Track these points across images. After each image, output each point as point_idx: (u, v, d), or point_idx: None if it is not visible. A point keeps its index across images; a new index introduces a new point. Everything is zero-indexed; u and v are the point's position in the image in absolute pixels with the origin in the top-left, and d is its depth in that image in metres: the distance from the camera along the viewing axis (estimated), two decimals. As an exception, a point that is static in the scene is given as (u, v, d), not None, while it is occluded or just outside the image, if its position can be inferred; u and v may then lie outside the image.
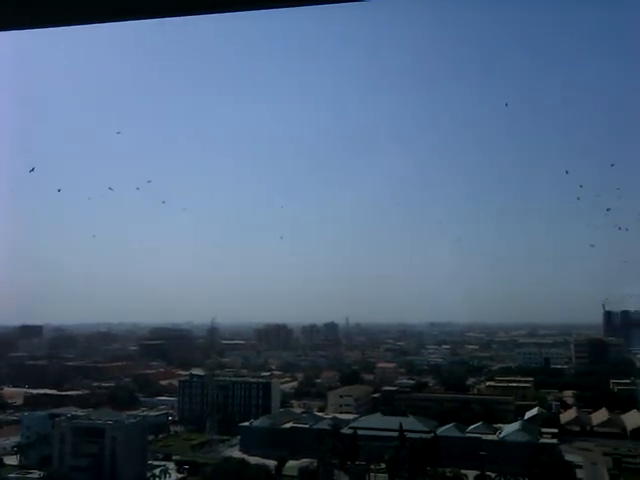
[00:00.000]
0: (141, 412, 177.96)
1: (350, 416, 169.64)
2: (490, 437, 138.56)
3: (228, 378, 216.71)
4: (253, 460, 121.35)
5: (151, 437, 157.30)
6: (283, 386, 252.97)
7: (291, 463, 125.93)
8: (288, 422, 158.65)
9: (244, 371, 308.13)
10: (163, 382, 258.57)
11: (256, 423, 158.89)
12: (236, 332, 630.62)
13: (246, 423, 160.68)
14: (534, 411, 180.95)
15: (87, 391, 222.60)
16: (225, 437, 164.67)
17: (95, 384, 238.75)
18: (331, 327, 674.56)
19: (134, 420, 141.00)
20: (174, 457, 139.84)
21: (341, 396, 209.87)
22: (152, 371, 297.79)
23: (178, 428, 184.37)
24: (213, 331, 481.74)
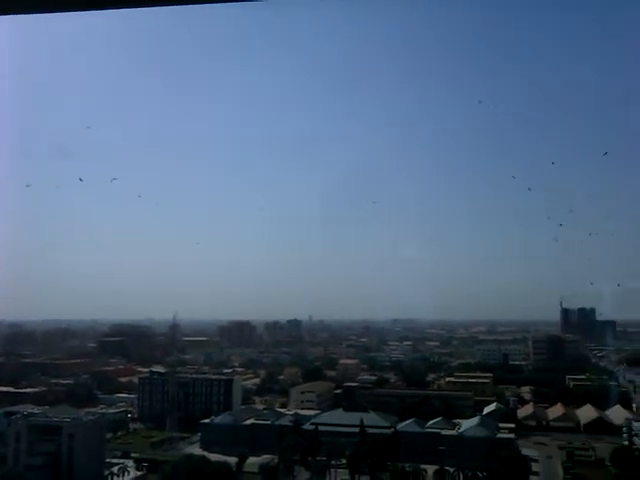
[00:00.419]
0: (100, 409, 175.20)
1: (312, 412, 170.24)
2: (449, 432, 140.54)
3: (189, 375, 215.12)
4: (214, 457, 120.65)
5: (110, 435, 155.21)
6: (245, 383, 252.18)
7: (252, 460, 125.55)
8: (250, 419, 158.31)
9: (206, 368, 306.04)
10: (123, 379, 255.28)
11: (217, 420, 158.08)
12: (198, 329, 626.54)
13: (207, 420, 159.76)
14: (492, 406, 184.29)
15: (44, 388, 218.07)
16: (185, 434, 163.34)
17: (53, 381, 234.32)
18: (294, 324, 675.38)
19: (92, 417, 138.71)
20: (133, 455, 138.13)
21: (303, 392, 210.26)
22: (111, 368, 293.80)
23: (138, 425, 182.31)
24: (175, 328, 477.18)
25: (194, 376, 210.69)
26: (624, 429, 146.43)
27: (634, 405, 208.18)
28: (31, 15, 7.59)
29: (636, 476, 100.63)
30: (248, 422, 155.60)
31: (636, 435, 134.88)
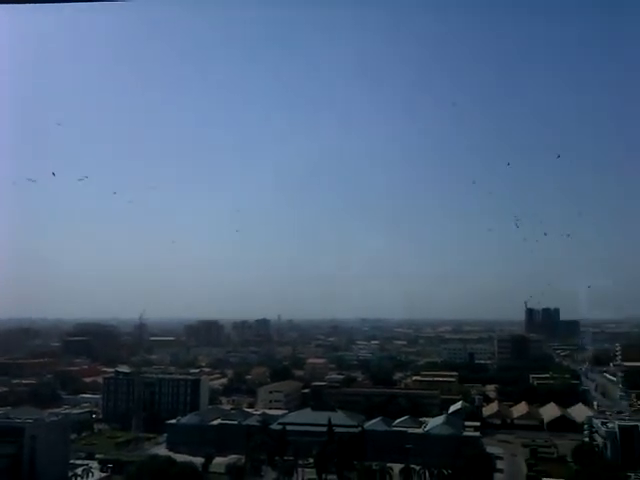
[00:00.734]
0: (63, 410, 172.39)
1: (280, 412, 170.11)
2: (416, 431, 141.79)
3: (155, 375, 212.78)
4: (180, 458, 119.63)
5: (74, 436, 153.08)
6: (212, 383, 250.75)
7: (219, 460, 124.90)
8: (217, 419, 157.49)
9: (172, 368, 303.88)
10: (87, 379, 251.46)
11: (184, 420, 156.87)
12: (165, 329, 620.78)
13: (173, 420, 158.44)
14: (458, 405, 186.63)
15: (6, 389, 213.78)
16: (151, 435, 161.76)
17: (15, 381, 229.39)
18: (263, 323, 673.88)
19: (56, 418, 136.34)
20: (98, 456, 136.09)
21: (271, 392, 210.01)
22: (76, 368, 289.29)
23: (102, 426, 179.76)
24: (141, 327, 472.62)
25: (160, 376, 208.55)
26: (585, 426, 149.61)
27: (595, 403, 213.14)
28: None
29: (595, 472, 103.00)
30: (215, 422, 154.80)
31: (596, 432, 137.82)
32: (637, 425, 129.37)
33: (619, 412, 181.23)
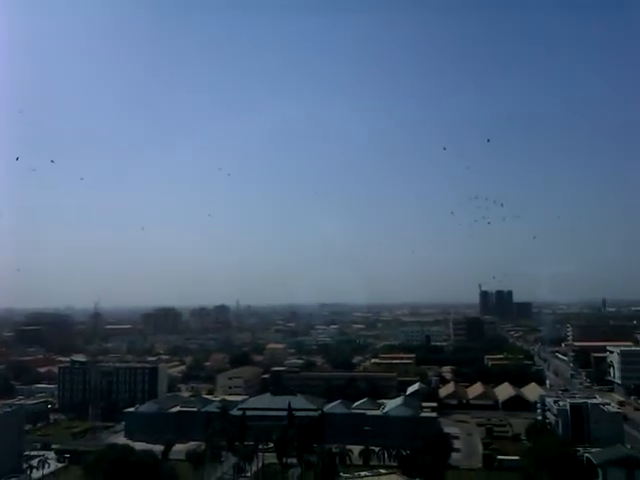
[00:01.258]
0: (18, 401, 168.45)
1: (239, 397, 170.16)
2: (374, 412, 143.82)
3: (112, 364, 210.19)
4: (139, 446, 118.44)
5: (29, 426, 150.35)
6: (171, 370, 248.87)
7: (178, 447, 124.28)
8: (176, 406, 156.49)
9: (129, 356, 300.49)
10: (42, 369, 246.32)
11: (142, 409, 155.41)
12: (121, 317, 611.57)
13: (131, 409, 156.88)
14: (415, 386, 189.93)
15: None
16: (109, 424, 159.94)
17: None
18: (222, 310, 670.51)
19: (9, 409, 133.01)
20: (54, 446, 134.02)
21: (230, 378, 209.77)
22: (29, 358, 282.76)
23: (58, 416, 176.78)
24: (96, 316, 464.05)
25: (117, 365, 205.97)
26: (538, 405, 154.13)
27: (548, 382, 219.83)
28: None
29: (547, 448, 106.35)
30: (174, 410, 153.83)
31: (549, 410, 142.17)
32: (586, 403, 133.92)
33: (570, 390, 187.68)
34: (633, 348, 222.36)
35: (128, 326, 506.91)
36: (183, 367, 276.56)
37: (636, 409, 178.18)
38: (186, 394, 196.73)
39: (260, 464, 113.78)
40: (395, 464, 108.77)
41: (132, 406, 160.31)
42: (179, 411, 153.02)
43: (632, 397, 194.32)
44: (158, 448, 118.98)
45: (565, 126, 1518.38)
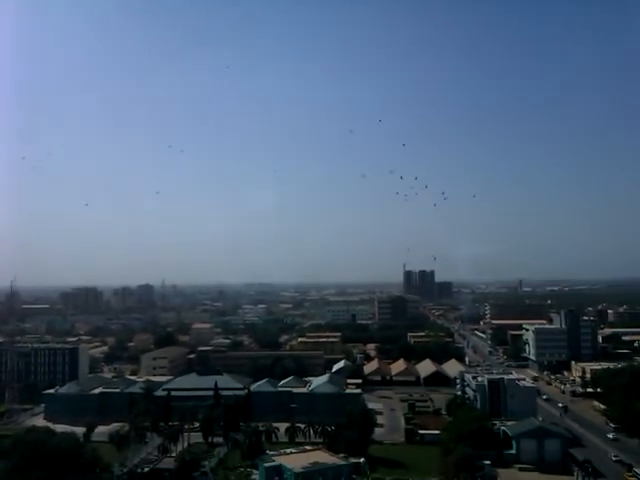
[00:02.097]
0: None
1: (165, 378, 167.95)
2: (300, 390, 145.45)
3: (30, 345, 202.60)
4: (60, 428, 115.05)
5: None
6: (93, 351, 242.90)
7: (101, 429, 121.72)
8: (98, 387, 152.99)
9: (48, 337, 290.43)
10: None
11: (62, 390, 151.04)
12: (39, 296, 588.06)
13: (51, 390, 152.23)
14: (341, 364, 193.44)
15: None
16: (27, 406, 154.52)
17: None
18: (146, 289, 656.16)
19: None
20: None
21: (155, 358, 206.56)
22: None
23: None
24: (13, 295, 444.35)
25: (35, 345, 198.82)
26: (457, 381, 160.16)
27: (467, 358, 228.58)
28: None
29: (466, 422, 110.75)
30: (96, 391, 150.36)
31: (468, 386, 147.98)
32: (503, 378, 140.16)
33: (488, 366, 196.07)
34: (547, 326, 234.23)
35: (46, 306, 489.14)
36: (105, 348, 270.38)
37: (548, 384, 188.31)
38: (109, 375, 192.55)
39: (186, 444, 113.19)
40: (320, 440, 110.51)
41: (52, 388, 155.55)
42: (101, 392, 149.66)
43: (545, 372, 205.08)
44: (80, 430, 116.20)
45: (490, 112, 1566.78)
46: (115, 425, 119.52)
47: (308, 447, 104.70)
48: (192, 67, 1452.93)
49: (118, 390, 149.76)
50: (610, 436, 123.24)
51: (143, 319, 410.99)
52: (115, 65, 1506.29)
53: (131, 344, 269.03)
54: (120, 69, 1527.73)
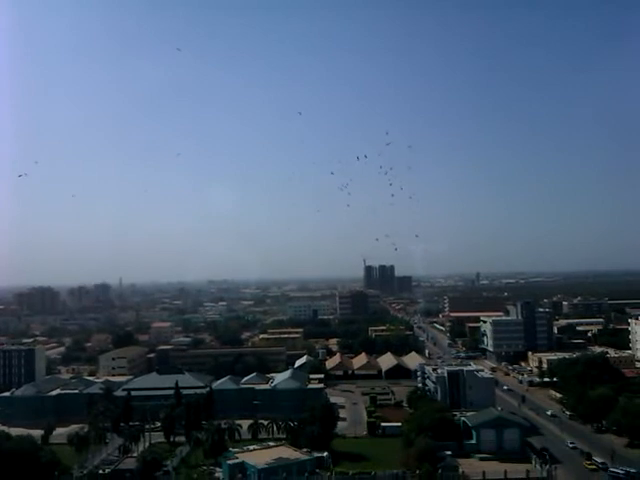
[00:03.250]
0: None
1: (124, 378, 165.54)
2: (263, 386, 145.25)
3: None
4: (15, 431, 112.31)
5: None
6: (49, 352, 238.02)
7: (60, 431, 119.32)
8: (55, 389, 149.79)
9: (2, 338, 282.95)
10: None
11: (18, 392, 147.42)
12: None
13: (7, 393, 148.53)
14: (303, 359, 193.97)
15: None
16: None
17: None
18: (102, 288, 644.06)
19: None
20: None
21: (114, 358, 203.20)
22: None
23: None
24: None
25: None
26: (418, 373, 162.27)
27: (427, 351, 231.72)
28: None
29: (427, 414, 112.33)
30: (53, 393, 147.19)
31: (428, 378, 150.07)
32: (462, 370, 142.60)
33: (447, 358, 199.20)
34: (503, 318, 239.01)
35: (1, 307, 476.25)
36: (62, 349, 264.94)
37: (506, 374, 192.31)
38: (66, 376, 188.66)
39: (147, 444, 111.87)
40: (284, 436, 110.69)
41: (7, 390, 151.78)
42: (59, 394, 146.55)
43: (502, 363, 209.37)
44: (38, 433, 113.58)
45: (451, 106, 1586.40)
46: (74, 427, 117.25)
47: (271, 443, 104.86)
48: (149, 63, 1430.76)
49: (76, 391, 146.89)
50: (548, 413, 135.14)
51: (100, 319, 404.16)
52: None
53: (89, 344, 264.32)
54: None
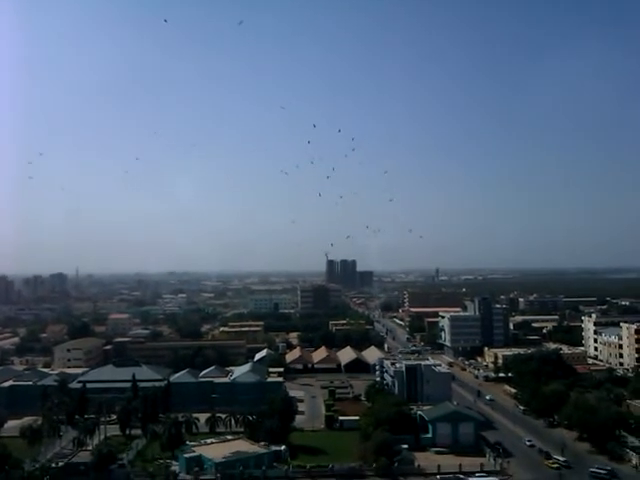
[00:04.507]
0: None
1: (80, 370, 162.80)
2: (222, 380, 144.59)
3: None
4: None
5: None
6: (2, 342, 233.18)
7: (12, 423, 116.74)
8: (8, 380, 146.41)
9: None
10: None
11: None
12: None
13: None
14: (263, 353, 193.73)
15: None
16: None
17: None
18: (59, 278, 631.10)
19: None
20: None
21: (69, 350, 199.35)
22: None
23: None
24: None
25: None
26: (377, 367, 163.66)
27: (386, 345, 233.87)
28: None
29: (384, 407, 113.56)
30: (6, 384, 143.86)
31: (386, 372, 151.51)
32: (420, 364, 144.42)
33: (406, 353, 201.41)
34: (461, 314, 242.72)
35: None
36: (16, 339, 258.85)
37: (462, 369, 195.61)
38: (20, 367, 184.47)
39: (102, 436, 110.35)
40: (242, 430, 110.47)
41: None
42: (12, 385, 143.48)
43: (459, 358, 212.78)
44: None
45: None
46: (27, 419, 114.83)
47: (229, 437, 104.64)
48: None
49: (30, 383, 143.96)
50: (487, 398, 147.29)
51: (56, 309, 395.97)
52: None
53: (44, 335, 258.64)
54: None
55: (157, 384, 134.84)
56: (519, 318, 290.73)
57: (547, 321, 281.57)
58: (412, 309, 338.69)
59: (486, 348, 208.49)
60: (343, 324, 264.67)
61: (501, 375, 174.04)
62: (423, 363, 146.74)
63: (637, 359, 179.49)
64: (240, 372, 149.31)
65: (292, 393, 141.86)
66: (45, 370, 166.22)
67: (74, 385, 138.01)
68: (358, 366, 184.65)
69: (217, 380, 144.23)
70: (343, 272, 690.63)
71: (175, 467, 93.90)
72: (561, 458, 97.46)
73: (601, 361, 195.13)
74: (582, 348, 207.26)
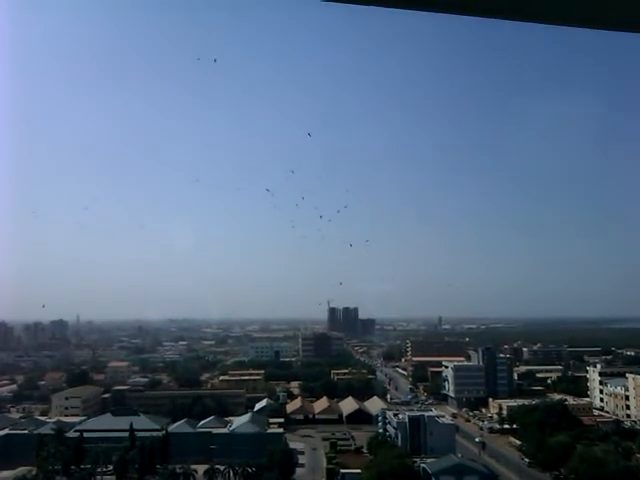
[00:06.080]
0: None
1: (77, 419, 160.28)
2: (220, 430, 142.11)
3: None
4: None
5: None
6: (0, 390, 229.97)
7: (5, 473, 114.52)
8: (4, 429, 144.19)
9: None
10: None
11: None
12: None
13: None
14: (263, 402, 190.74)
15: None
16: None
17: None
18: (59, 325, 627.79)
19: None
20: None
21: (67, 398, 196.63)
22: None
23: None
24: None
25: None
26: (379, 418, 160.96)
27: (388, 396, 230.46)
28: None
29: (387, 460, 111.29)
30: (2, 433, 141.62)
31: (389, 423, 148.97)
32: (423, 415, 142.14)
33: (409, 403, 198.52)
34: (465, 363, 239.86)
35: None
36: (14, 386, 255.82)
37: (467, 420, 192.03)
38: (17, 415, 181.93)
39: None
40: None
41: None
42: (7, 434, 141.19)
43: (463, 409, 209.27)
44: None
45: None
46: (22, 469, 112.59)
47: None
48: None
49: (26, 431, 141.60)
50: (477, 440, 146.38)
51: (56, 356, 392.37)
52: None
53: (42, 382, 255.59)
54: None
55: (155, 434, 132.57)
56: (523, 368, 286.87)
57: (551, 371, 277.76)
58: (415, 358, 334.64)
59: (490, 399, 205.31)
60: (345, 373, 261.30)
61: (506, 426, 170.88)
62: (427, 414, 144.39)
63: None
64: (239, 422, 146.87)
65: (292, 445, 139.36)
66: (42, 418, 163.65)
67: (71, 434, 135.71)
68: (360, 417, 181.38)
69: (216, 431, 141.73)
70: (345, 320, 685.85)
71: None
72: None
73: (607, 412, 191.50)
74: (587, 399, 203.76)
